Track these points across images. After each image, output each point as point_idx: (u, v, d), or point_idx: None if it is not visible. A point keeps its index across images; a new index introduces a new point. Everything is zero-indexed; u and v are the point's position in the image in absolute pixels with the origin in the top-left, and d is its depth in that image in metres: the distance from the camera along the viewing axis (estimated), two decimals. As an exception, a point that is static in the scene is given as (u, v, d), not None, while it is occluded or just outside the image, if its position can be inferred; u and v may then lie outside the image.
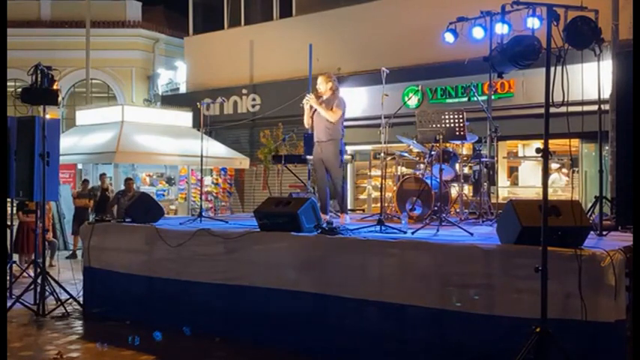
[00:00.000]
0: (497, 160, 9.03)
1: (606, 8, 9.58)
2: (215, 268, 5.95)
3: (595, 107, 6.36)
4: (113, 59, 20.93)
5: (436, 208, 6.70)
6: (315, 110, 7.45)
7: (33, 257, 8.33)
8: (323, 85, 7.43)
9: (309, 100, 7.46)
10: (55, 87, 7.23)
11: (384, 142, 6.92)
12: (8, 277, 7.97)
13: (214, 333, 5.85)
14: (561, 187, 12.34)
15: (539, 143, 10.36)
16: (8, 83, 15.43)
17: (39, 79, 7.15)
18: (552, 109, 4.04)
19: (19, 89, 7.47)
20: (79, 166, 16.38)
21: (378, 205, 8.81)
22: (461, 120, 6.86)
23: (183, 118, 16.25)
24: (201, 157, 8.02)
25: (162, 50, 21.97)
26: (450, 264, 4.68)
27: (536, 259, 3.96)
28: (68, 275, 8.27)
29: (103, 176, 14.06)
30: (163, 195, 16.73)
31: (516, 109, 12.30)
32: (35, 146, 7.20)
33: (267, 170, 15.57)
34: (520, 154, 13.84)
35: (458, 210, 7.56)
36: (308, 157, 8.25)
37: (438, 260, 4.75)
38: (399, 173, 8.31)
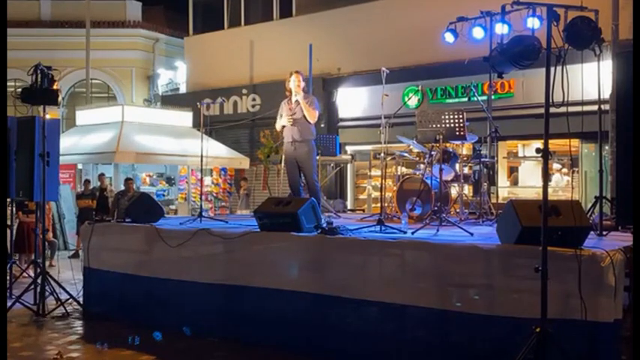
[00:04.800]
0: (497, 160, 9.02)
1: (606, 8, 9.58)
2: (215, 268, 5.95)
3: (595, 107, 6.36)
4: (113, 59, 20.95)
5: (436, 208, 6.70)
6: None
7: (33, 257, 8.32)
8: (295, 83, 7.20)
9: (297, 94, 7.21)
10: (55, 87, 7.22)
11: (384, 142, 6.91)
12: (8, 277, 7.97)
13: (214, 333, 5.84)
14: (562, 187, 12.34)
15: (539, 143, 10.36)
16: (8, 83, 15.44)
17: (39, 79, 7.15)
18: (552, 109, 4.04)
19: (19, 89, 7.46)
20: (79, 166, 16.38)
21: (378, 205, 8.80)
22: (461, 120, 6.86)
23: (184, 118, 16.24)
24: (201, 157, 8.01)
25: (162, 50, 21.98)
26: (450, 264, 4.68)
27: (536, 259, 3.96)
28: (68, 275, 8.27)
29: (101, 176, 14.07)
30: (163, 195, 16.72)
31: (516, 109, 12.32)
32: (35, 146, 7.20)
33: (267, 170, 15.56)
34: (520, 154, 13.84)
35: (458, 210, 7.55)
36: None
37: (438, 260, 4.75)
38: (399, 173, 8.31)
